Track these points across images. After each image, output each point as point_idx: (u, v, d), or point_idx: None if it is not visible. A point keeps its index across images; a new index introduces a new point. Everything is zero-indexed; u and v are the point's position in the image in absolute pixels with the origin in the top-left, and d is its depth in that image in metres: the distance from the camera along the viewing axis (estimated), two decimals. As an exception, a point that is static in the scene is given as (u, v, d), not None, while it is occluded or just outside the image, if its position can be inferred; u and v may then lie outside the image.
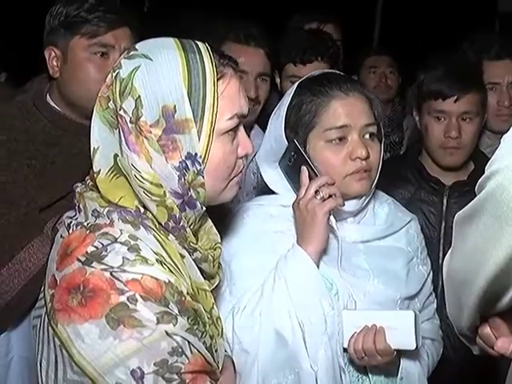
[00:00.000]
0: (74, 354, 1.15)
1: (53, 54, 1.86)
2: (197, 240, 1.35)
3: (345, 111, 1.58)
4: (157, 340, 1.14)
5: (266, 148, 1.70)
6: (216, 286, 1.55)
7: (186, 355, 1.17)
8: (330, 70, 1.76)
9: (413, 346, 1.49)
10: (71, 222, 1.26)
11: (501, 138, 2.57)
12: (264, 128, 2.34)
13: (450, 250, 1.08)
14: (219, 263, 1.42)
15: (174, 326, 1.16)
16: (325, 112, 1.58)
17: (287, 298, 1.51)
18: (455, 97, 2.08)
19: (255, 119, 2.36)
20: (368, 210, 1.70)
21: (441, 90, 2.10)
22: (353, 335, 1.52)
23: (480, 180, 0.97)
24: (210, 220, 1.41)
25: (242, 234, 1.63)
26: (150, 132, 1.19)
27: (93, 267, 1.16)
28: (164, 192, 1.21)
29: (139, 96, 1.19)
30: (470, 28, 2.60)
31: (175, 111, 1.19)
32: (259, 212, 1.67)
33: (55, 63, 1.86)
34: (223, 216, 1.74)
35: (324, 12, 3.08)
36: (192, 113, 1.19)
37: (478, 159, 2.21)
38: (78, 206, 1.28)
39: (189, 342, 1.18)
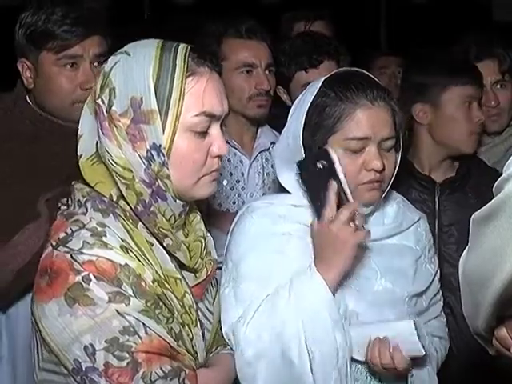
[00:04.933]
0: (42, 332, 1.24)
1: (25, 66, 1.87)
2: (186, 236, 1.40)
3: (368, 122, 1.54)
4: (108, 318, 1.21)
5: (282, 145, 1.65)
6: (219, 285, 1.56)
7: (138, 335, 1.22)
8: (358, 70, 1.67)
9: (421, 353, 1.50)
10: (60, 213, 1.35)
11: (492, 137, 2.59)
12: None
13: (466, 249, 1.07)
14: (212, 259, 1.45)
15: (126, 305, 1.22)
16: (348, 120, 1.54)
17: (299, 323, 1.48)
18: (472, 80, 2.12)
19: (268, 114, 2.32)
20: (376, 209, 1.67)
21: (462, 77, 2.11)
22: (368, 346, 1.50)
23: (498, 181, 0.97)
24: (198, 216, 1.46)
25: (250, 235, 1.60)
26: (119, 121, 1.26)
27: (58, 250, 1.25)
28: (133, 176, 1.27)
29: (114, 87, 1.27)
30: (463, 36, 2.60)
31: (142, 102, 1.25)
32: (268, 212, 1.63)
33: (28, 75, 1.87)
34: (230, 216, 1.74)
35: (312, 10, 3.01)
36: (157, 105, 1.25)
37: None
38: (71, 198, 1.35)
39: (144, 323, 1.23)
